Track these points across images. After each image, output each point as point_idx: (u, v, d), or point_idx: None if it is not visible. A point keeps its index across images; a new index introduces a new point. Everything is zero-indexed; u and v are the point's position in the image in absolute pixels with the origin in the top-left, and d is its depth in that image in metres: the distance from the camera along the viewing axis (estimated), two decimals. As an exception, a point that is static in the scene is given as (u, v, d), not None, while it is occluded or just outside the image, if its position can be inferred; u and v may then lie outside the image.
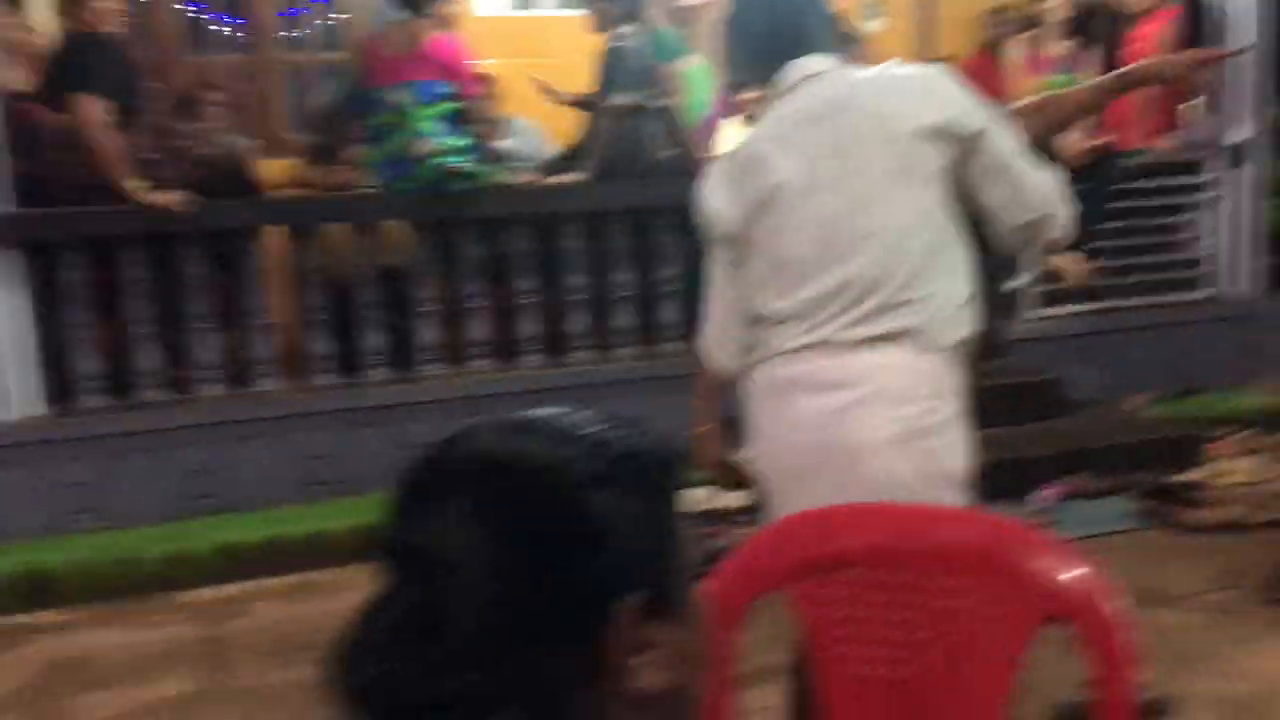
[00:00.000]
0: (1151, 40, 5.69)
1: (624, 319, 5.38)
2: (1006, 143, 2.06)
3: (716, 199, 2.19)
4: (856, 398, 2.02)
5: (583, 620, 0.86)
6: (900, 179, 2.04)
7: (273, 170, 5.85)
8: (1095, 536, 4.11)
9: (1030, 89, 5.90)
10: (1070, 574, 1.49)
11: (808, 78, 2.15)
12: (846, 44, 6.50)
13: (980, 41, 7.47)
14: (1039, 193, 2.06)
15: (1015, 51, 6.01)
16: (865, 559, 1.62)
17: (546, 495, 0.87)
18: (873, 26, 7.48)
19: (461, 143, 4.92)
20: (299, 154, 5.86)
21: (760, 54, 2.20)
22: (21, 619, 4.11)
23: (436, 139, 4.83)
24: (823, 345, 2.06)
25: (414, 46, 4.82)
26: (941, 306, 2.05)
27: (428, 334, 5.17)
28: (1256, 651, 3.39)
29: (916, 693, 1.61)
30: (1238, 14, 6.01)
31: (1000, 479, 4.73)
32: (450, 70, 4.91)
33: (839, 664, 1.65)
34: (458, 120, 4.92)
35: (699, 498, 4.84)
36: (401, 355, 5.26)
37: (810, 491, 1.95)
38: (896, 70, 2.17)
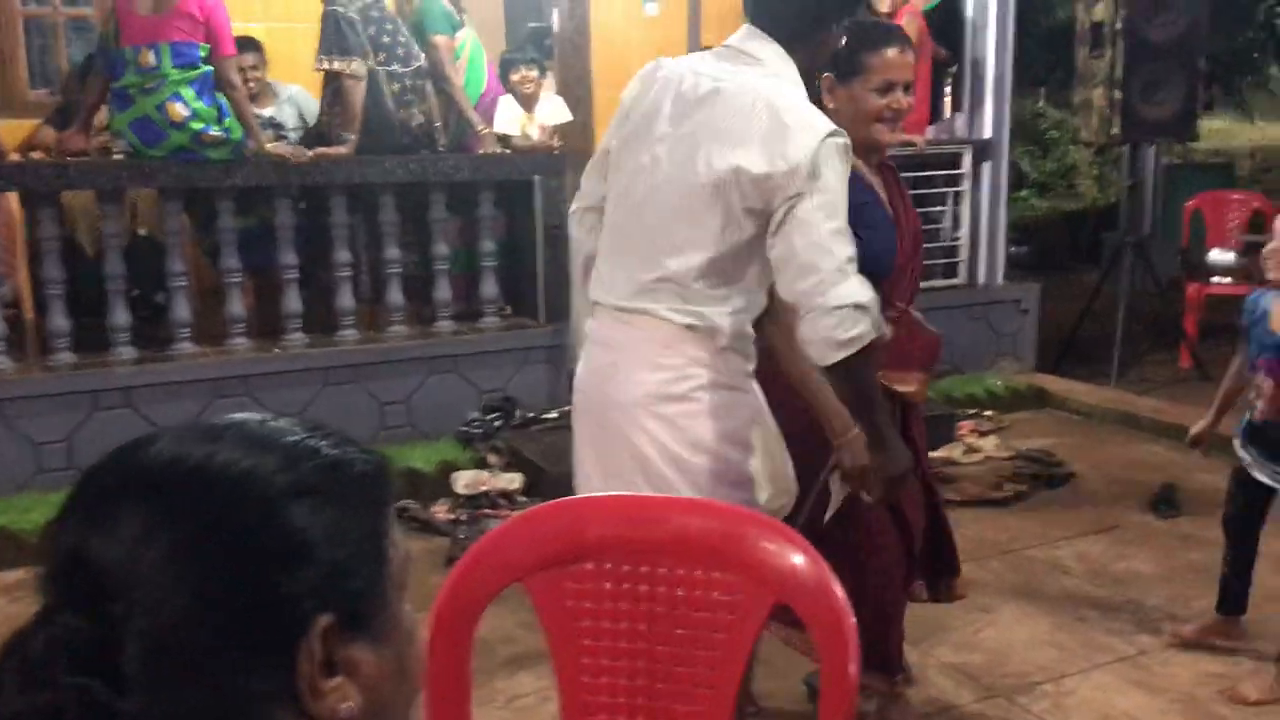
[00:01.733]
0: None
1: (395, 296, 5.24)
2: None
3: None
4: (618, 360, 2.16)
5: (275, 640, 0.81)
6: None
7: (10, 132, 5.41)
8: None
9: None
10: (798, 560, 1.52)
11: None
12: None
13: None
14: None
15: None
16: (602, 550, 1.61)
17: (236, 507, 0.81)
18: (650, 10, 7.55)
19: (217, 109, 4.66)
20: (40, 115, 5.43)
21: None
22: None
23: (189, 104, 4.55)
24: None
25: (168, 4, 4.52)
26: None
27: (181, 310, 4.89)
28: (991, 623, 3.61)
29: (652, 681, 1.62)
30: (979, 13, 6.37)
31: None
32: (207, 31, 4.63)
33: (578, 654, 1.64)
34: (214, 85, 4.64)
35: (471, 480, 4.79)
36: (152, 333, 4.96)
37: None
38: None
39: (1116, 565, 4.06)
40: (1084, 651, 3.40)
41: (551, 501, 1.66)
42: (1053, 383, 6.28)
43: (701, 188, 2.07)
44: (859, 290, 1.99)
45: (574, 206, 2.44)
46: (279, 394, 4.89)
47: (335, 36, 4.88)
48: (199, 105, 4.58)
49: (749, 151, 2.03)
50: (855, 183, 2.46)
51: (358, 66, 4.92)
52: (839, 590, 1.49)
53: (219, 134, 4.65)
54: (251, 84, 5.27)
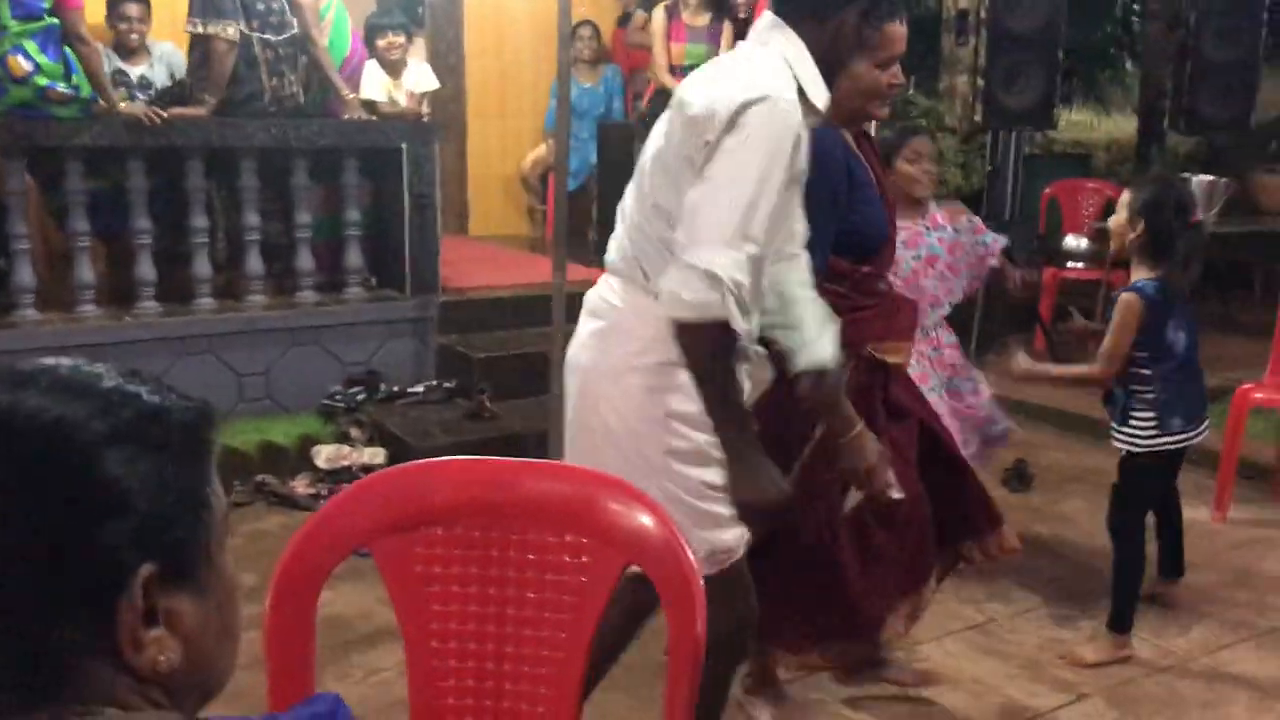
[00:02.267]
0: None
1: (255, 265, 5.07)
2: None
3: None
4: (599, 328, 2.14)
5: (92, 590, 0.79)
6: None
7: None
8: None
9: (673, 57, 6.08)
10: (647, 521, 1.51)
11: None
12: None
13: (620, 11, 7.62)
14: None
15: (656, 24, 6.15)
16: (452, 515, 1.58)
17: (49, 455, 0.79)
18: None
19: (64, 64, 4.43)
20: None
21: None
22: None
23: (33, 57, 4.32)
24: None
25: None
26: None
27: (24, 275, 4.65)
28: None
29: (501, 645, 1.59)
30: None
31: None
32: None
33: (427, 620, 1.61)
34: (61, 39, 4.41)
35: (332, 455, 4.69)
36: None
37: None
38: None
39: (969, 537, 4.18)
40: (936, 620, 3.48)
41: (398, 465, 1.62)
42: (914, 362, 6.43)
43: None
44: (727, 264, 1.88)
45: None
46: (130, 364, 4.63)
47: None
48: (43, 60, 4.35)
49: (693, 95, 2.01)
50: (854, 162, 2.51)
51: (232, 31, 4.75)
52: (687, 552, 1.49)
53: (67, 91, 4.43)
54: (134, 36, 5.10)
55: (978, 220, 3.97)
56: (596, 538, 1.55)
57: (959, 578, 3.77)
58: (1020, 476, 4.72)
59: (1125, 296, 3.14)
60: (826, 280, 2.45)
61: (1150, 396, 3.15)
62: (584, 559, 1.56)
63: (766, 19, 2.13)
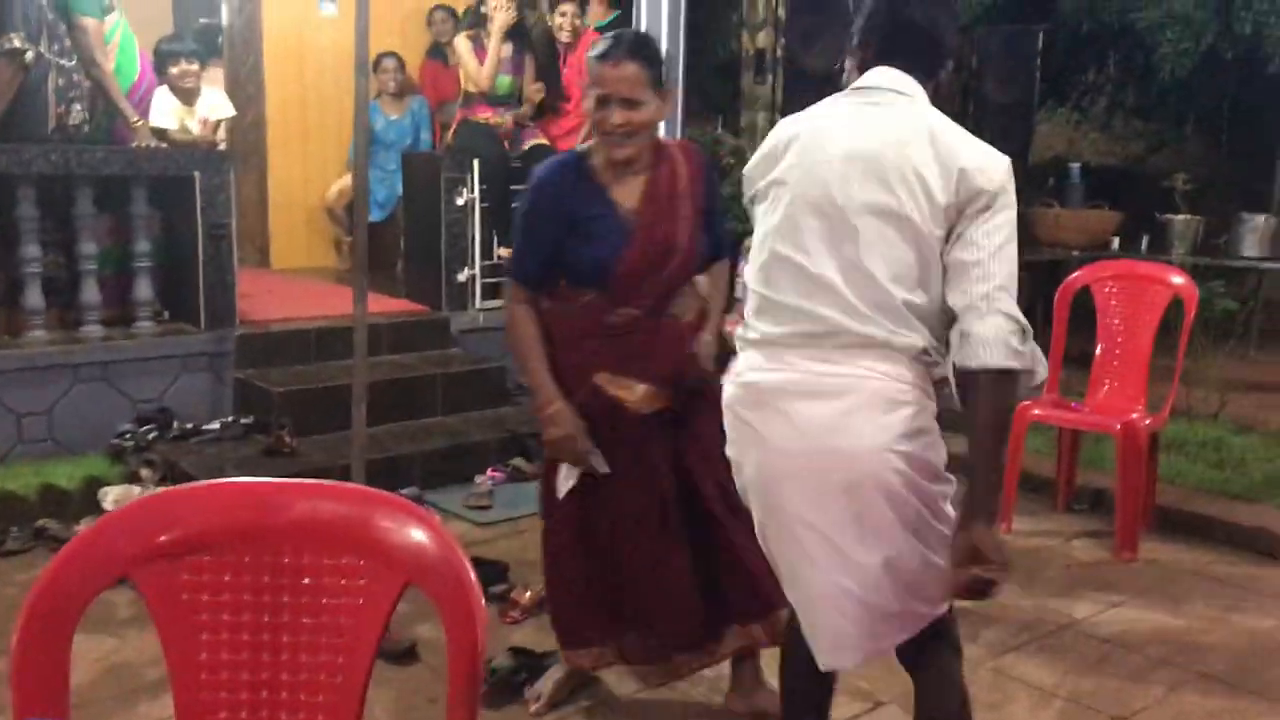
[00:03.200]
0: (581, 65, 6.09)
1: (34, 298, 4.79)
2: None
3: None
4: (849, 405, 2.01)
5: None
6: None
7: None
8: (530, 515, 4.27)
9: (479, 84, 6.07)
10: (423, 538, 1.49)
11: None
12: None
13: (429, 42, 7.58)
14: None
15: (462, 49, 6.14)
16: (218, 539, 1.51)
17: None
18: (328, 10, 7.35)
19: None
20: None
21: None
22: None
23: None
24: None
25: None
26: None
27: None
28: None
29: (276, 673, 1.54)
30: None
31: (449, 463, 4.84)
32: None
33: (195, 651, 1.53)
34: None
35: (121, 496, 4.44)
36: None
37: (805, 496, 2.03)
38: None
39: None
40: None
41: (162, 489, 1.55)
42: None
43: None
44: (1023, 319, 1.96)
45: None
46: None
47: (15, 14, 4.47)
48: None
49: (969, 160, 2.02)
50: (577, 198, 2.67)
51: (30, 54, 4.50)
52: (467, 568, 1.47)
53: None
54: None
55: None
56: (373, 558, 1.51)
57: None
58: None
59: None
60: (550, 301, 2.74)
61: None
62: (361, 580, 1.52)
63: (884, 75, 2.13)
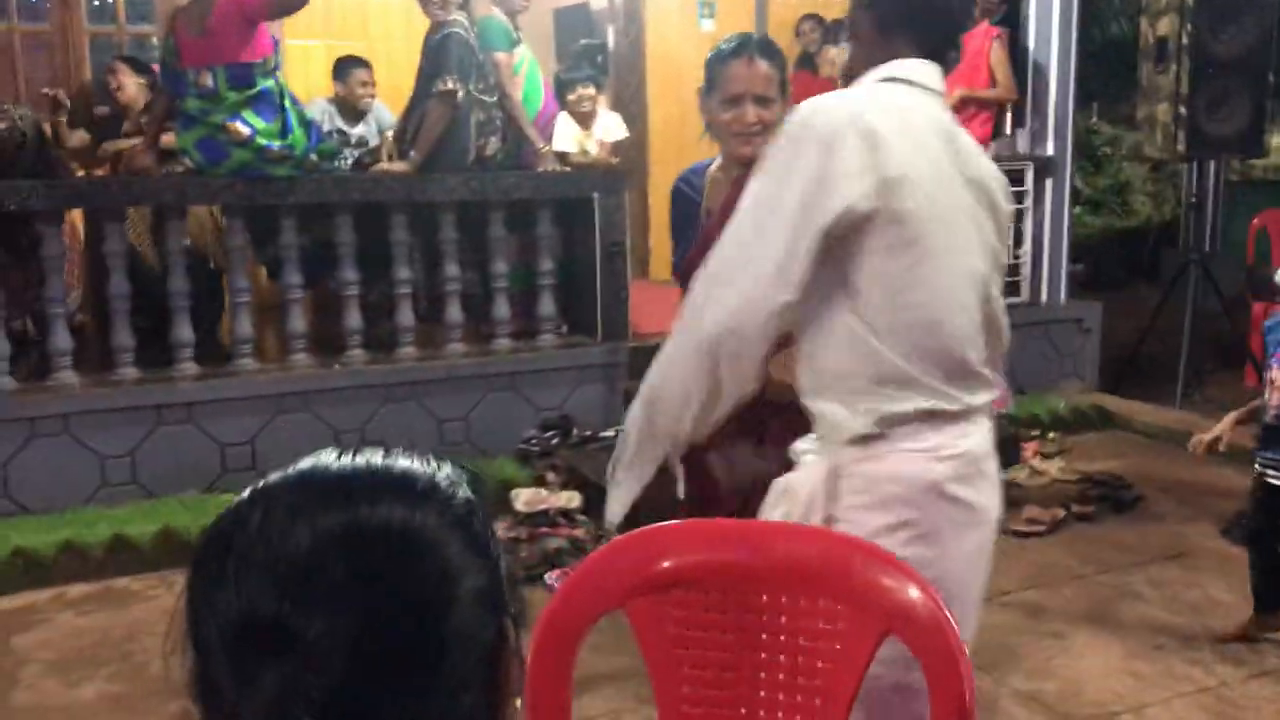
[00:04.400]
0: (972, 57, 5.90)
1: (454, 314, 5.23)
2: None
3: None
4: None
5: (486, 654, 0.84)
6: None
7: (75, 146, 5.48)
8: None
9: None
10: (911, 591, 1.47)
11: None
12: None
13: (797, 53, 7.60)
14: None
15: (835, 60, 6.13)
16: (701, 577, 1.57)
17: (411, 561, 0.83)
18: (706, 26, 7.54)
19: (280, 123, 4.68)
20: (101, 130, 5.49)
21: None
22: None
23: (250, 123, 4.58)
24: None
25: (203, 24, 4.50)
26: None
27: (243, 326, 4.92)
28: (1063, 650, 3.53)
29: (755, 711, 1.57)
30: (1042, 40, 6.32)
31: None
32: (255, 45, 4.60)
33: (679, 682, 1.60)
34: (277, 101, 4.66)
35: (530, 498, 4.76)
36: (212, 348, 4.99)
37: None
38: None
39: (1190, 592, 3.96)
40: (1163, 681, 3.31)
41: (650, 526, 1.62)
42: (1116, 403, 6.17)
43: None
44: None
45: None
46: (338, 410, 4.90)
47: (453, 58, 4.94)
48: (259, 123, 4.60)
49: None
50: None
51: (461, 94, 4.96)
52: (953, 625, 1.44)
53: (282, 150, 4.67)
54: (367, 100, 5.59)
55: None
56: (852, 603, 1.52)
57: (1179, 637, 3.58)
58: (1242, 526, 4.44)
59: None
60: None
61: None
62: (839, 625, 1.53)
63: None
